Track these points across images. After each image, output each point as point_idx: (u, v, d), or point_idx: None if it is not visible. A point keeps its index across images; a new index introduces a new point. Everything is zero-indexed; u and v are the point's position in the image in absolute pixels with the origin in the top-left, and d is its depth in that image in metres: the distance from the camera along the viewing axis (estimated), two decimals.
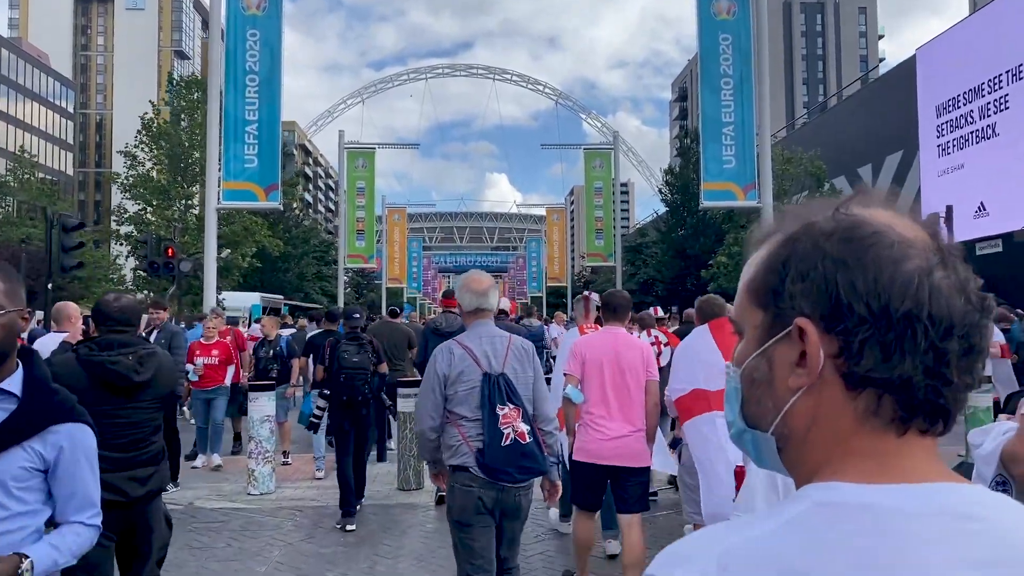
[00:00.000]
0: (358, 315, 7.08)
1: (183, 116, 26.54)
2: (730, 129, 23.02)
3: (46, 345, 5.95)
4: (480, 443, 3.42)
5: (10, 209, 48.47)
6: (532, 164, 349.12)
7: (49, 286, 12.41)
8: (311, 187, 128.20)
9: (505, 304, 8.58)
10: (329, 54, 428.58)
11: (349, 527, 6.27)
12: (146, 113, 26.96)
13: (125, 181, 25.61)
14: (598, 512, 4.79)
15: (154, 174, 26.67)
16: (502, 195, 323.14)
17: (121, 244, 28.03)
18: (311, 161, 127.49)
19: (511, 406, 3.44)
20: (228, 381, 8.94)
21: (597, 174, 41.55)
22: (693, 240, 38.72)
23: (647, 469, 4.54)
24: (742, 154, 22.85)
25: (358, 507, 6.62)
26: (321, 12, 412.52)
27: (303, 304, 42.05)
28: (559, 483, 3.79)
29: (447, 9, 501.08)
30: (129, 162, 26.64)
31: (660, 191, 43.40)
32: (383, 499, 7.29)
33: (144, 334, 8.67)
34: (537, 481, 3.71)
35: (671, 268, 39.67)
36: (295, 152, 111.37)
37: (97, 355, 3.28)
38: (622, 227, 52.89)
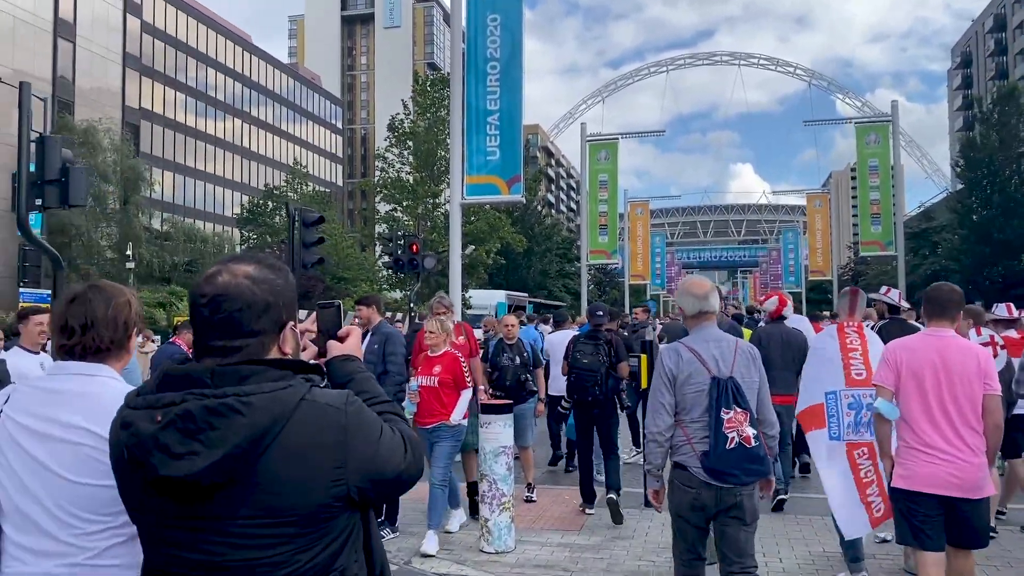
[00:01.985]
0: (601, 312, 6.85)
1: (428, 114, 26.49)
2: None
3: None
4: (705, 446, 3.44)
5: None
6: (779, 152, 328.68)
7: None
8: (553, 188, 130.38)
9: (790, 311, 7.54)
10: (568, 57, 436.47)
11: (588, 511, 6.60)
12: (397, 114, 27.34)
13: (377, 183, 26.08)
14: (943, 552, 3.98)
15: (403, 175, 26.94)
16: (747, 186, 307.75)
17: (375, 245, 28.71)
18: (553, 163, 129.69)
19: (738, 409, 3.43)
20: (457, 418, 5.70)
21: (872, 150, 36.39)
22: (1002, 221, 32.25)
23: (988, 500, 3.89)
24: None
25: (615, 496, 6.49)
26: (559, 17, 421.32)
27: (546, 301, 41.35)
28: (772, 479, 3.71)
29: None
30: (381, 165, 27.16)
31: (955, 166, 36.98)
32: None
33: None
34: None
35: (971, 256, 33.42)
36: (538, 155, 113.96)
37: (127, 407, 1.52)
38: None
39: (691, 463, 3.47)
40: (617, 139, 42.49)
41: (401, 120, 26.83)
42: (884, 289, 7.36)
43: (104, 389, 1.81)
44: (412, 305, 16.65)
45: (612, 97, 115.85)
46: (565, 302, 48.60)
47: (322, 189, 66.66)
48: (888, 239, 34.22)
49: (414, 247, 16.29)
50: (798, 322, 8.43)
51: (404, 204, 26.41)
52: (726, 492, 3.44)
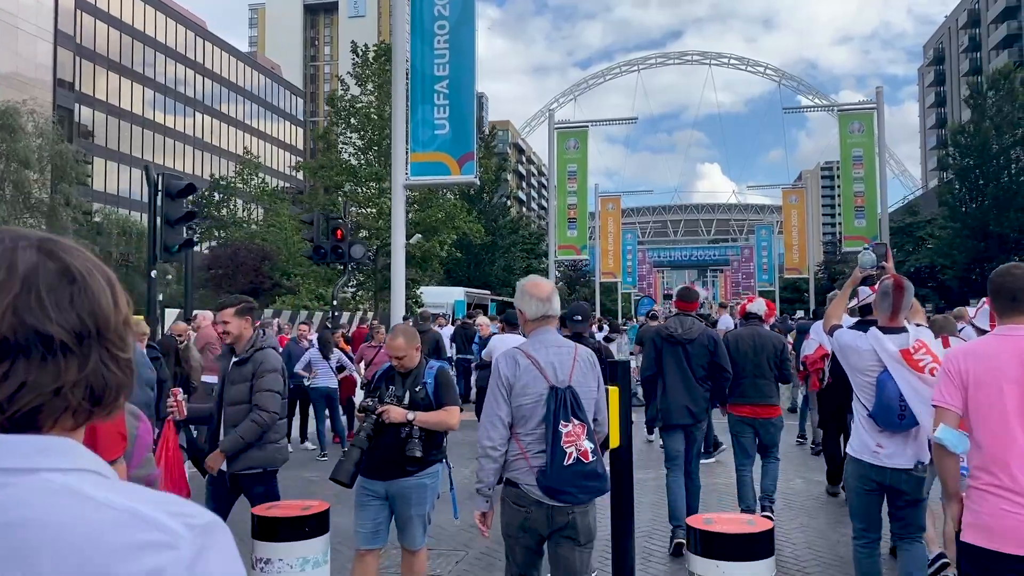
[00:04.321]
0: (580, 317, 6.04)
1: (373, 87, 23.56)
2: None
3: None
4: (541, 460, 3.21)
5: (236, 209, 50.00)
6: (746, 152, 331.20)
7: (153, 273, 8.92)
8: (524, 185, 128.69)
9: (760, 307, 6.94)
10: (537, 56, 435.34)
11: None
12: (336, 89, 24.46)
13: (314, 164, 23.18)
14: None
15: (345, 155, 24.02)
16: (715, 186, 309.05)
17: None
18: (524, 159, 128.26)
19: (576, 422, 3.23)
20: None
21: (856, 140, 34.33)
22: (997, 214, 30.15)
23: None
24: None
25: None
26: (528, 15, 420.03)
27: (512, 300, 38.64)
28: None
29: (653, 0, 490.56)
30: (322, 146, 24.25)
31: (946, 155, 34.93)
32: None
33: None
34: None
35: (964, 251, 31.29)
36: (508, 151, 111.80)
37: None
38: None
39: (524, 479, 3.24)
40: (586, 127, 39.93)
41: (341, 95, 23.91)
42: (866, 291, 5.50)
43: (49, 514, 0.72)
44: (335, 302, 13.72)
45: (583, 97, 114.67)
46: None
47: (282, 183, 63.41)
48: (873, 233, 32.13)
49: (339, 233, 13.48)
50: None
51: (345, 189, 23.43)
52: (557, 511, 3.21)
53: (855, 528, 4.06)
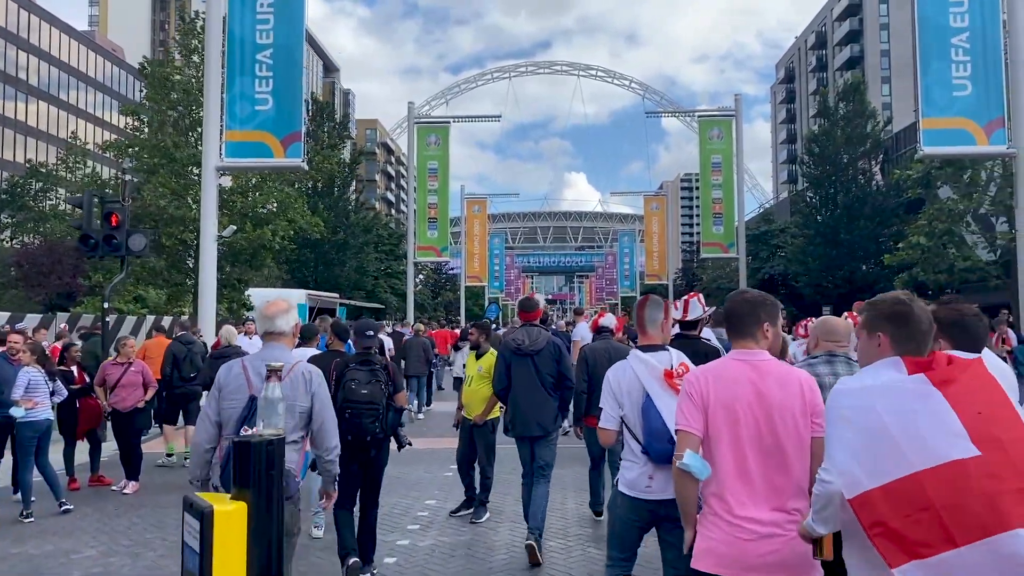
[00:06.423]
0: (372, 333, 5.53)
1: (197, 59, 20.59)
2: (963, 39, 16.38)
3: None
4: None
5: (59, 201, 44.77)
6: (609, 163, 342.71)
7: None
8: (392, 186, 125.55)
9: (610, 321, 7.06)
10: (408, 59, 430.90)
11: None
12: (150, 57, 21.32)
13: (121, 144, 19.87)
14: None
15: (160, 134, 20.84)
16: (581, 194, 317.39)
17: None
18: (393, 160, 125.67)
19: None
20: None
21: (714, 146, 34.13)
22: (847, 223, 30.72)
23: None
24: (983, 77, 16.26)
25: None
26: (397, 17, 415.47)
27: (365, 304, 36.12)
28: (333, 491, 4.01)
29: (524, 9, 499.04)
30: (135, 122, 21.00)
31: (801, 163, 35.59)
32: None
33: None
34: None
35: (817, 258, 31.77)
36: (377, 150, 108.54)
37: None
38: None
39: (219, 484, 3.48)
40: (448, 123, 38.27)
41: (159, 64, 20.81)
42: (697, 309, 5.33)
43: None
44: (107, 304, 10.98)
45: (454, 101, 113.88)
46: (389, 304, 43.69)
47: (98, 169, 57.77)
48: (730, 240, 32.10)
49: (114, 219, 10.88)
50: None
51: (158, 174, 20.18)
52: None
53: (611, 555, 3.85)
